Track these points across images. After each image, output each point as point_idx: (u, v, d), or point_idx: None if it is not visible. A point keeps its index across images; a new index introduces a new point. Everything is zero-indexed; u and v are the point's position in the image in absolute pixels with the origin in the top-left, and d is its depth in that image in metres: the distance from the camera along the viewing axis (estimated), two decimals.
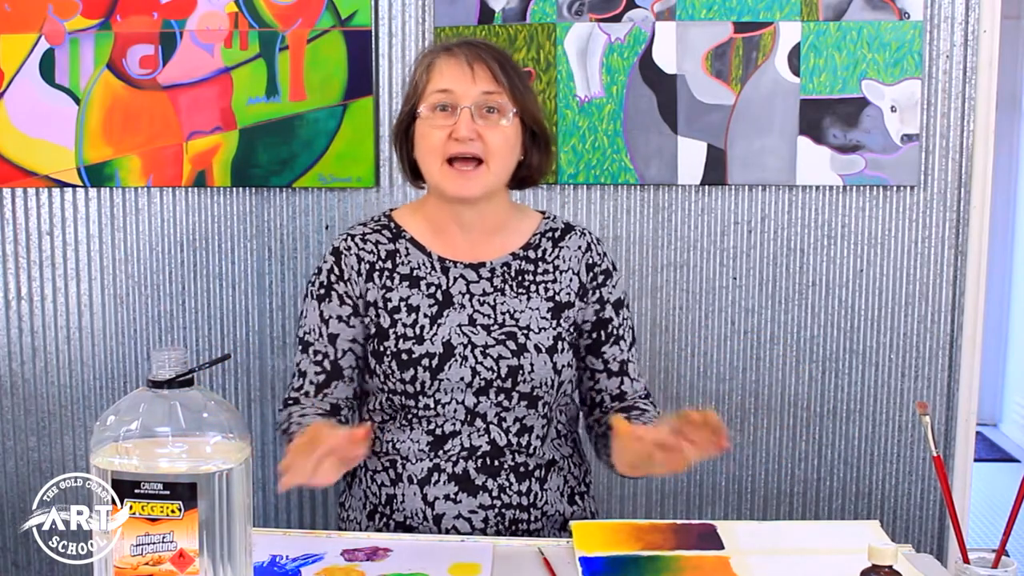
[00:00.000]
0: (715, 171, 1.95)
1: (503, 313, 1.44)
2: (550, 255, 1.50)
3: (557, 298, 1.47)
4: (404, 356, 1.41)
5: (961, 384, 1.99)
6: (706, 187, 1.97)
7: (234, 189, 1.99)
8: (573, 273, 1.49)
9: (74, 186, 1.98)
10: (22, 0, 1.94)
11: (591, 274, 1.50)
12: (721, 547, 1.29)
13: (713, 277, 2.00)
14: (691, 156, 1.95)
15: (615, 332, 1.51)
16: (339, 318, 1.46)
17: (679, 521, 1.37)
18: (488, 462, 1.43)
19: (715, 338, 2.01)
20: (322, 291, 1.47)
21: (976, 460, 2.16)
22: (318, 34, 1.94)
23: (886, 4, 1.91)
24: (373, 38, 1.95)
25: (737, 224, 1.98)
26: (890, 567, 1.02)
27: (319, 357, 1.45)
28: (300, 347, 1.48)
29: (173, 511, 0.97)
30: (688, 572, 1.23)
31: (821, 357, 2.01)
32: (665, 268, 2.00)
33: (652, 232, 1.99)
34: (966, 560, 1.13)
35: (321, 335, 1.46)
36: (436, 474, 1.43)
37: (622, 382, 1.51)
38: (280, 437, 1.45)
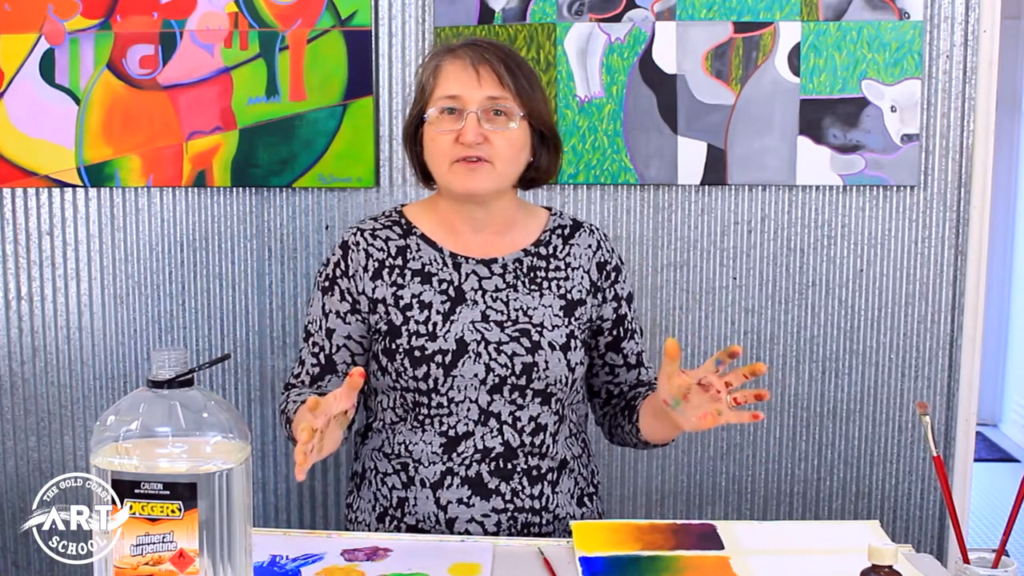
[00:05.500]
0: (715, 171, 1.95)
1: (516, 310, 1.45)
2: (561, 252, 1.50)
3: (569, 296, 1.48)
4: (417, 353, 1.41)
5: (961, 384, 1.99)
6: (706, 187, 1.97)
7: (234, 189, 1.99)
8: (584, 271, 1.50)
9: (74, 186, 1.98)
10: (22, 0, 1.93)
11: (603, 272, 1.51)
12: (721, 547, 1.29)
13: (713, 277, 2.00)
14: (691, 156, 1.95)
15: (630, 327, 1.54)
16: (337, 313, 1.47)
17: (679, 521, 1.37)
18: (501, 464, 1.43)
19: (715, 338, 2.01)
20: (327, 284, 1.49)
21: (976, 460, 2.16)
22: (318, 34, 1.94)
23: (886, 4, 1.91)
24: (373, 38, 1.95)
25: (737, 224, 1.98)
26: (890, 567, 1.02)
27: (316, 349, 1.49)
28: (304, 334, 1.52)
29: (173, 511, 0.97)
30: (688, 572, 1.23)
31: (821, 357, 2.01)
32: (665, 268, 2.00)
33: (652, 232, 1.99)
34: (966, 560, 1.13)
35: (320, 328, 1.48)
36: (449, 477, 1.43)
37: (639, 373, 1.55)
38: (280, 418, 1.54)
